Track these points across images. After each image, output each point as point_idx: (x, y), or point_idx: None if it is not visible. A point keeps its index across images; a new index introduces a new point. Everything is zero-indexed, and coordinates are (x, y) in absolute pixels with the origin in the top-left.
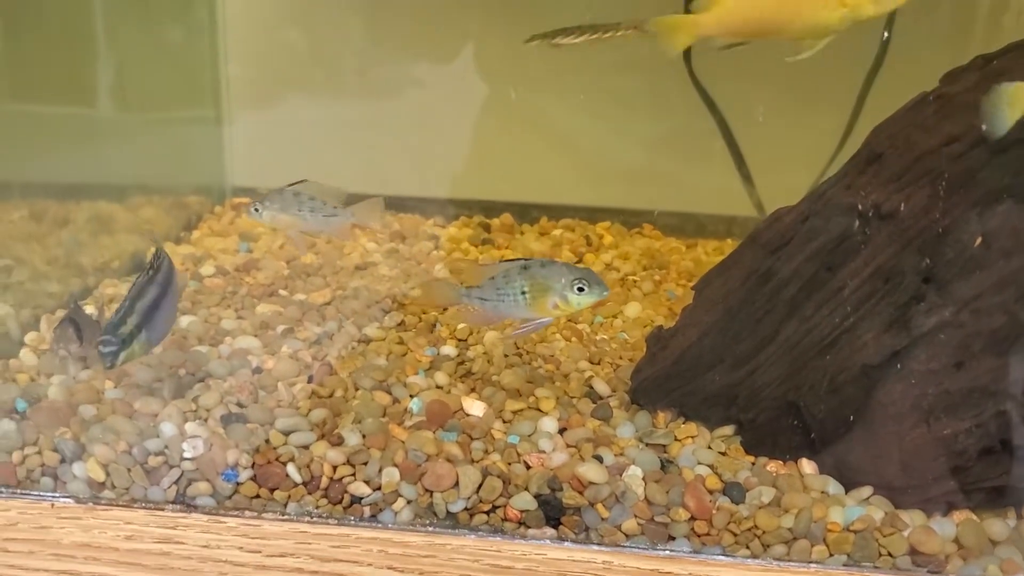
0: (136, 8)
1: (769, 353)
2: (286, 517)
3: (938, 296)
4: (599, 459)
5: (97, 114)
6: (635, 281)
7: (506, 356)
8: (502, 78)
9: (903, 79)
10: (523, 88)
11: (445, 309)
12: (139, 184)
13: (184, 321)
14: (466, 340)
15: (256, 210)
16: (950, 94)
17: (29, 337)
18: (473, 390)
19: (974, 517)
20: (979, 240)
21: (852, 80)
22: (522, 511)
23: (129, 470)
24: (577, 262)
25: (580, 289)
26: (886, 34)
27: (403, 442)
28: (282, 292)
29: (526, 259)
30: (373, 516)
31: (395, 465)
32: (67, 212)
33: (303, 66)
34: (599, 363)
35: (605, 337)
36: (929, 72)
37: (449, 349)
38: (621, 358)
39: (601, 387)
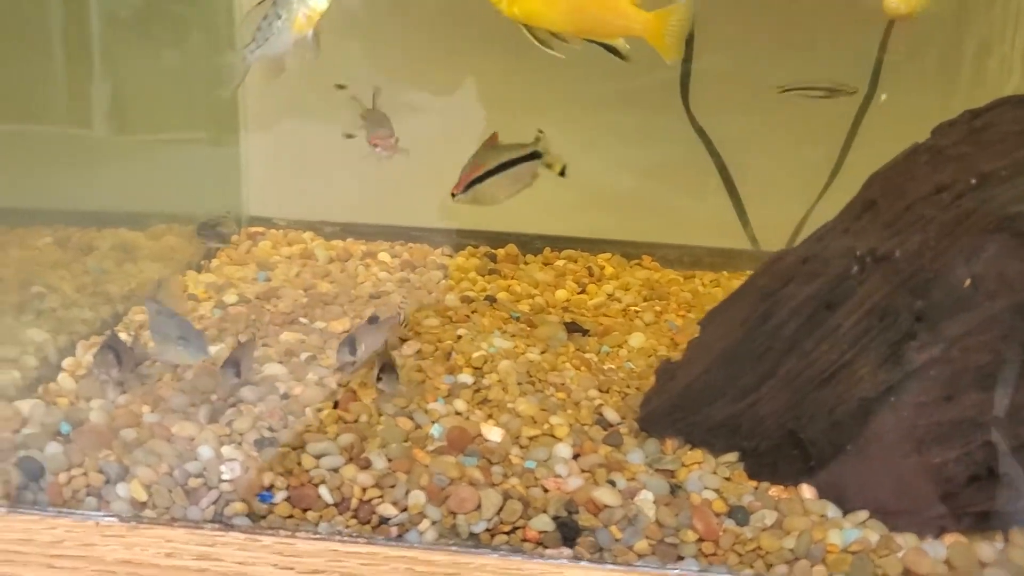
0: (151, 32)
1: (770, 386)
2: (318, 536)
3: (929, 334)
4: (612, 484)
5: (113, 139)
6: (637, 312)
7: (519, 384)
8: (503, 108)
9: (892, 115)
10: (524, 121)
11: (460, 337)
12: (158, 212)
13: (212, 349)
14: (481, 368)
15: None
16: (940, 146)
17: (66, 362)
18: (490, 416)
19: (964, 540)
20: (968, 282)
21: (844, 115)
22: (540, 532)
23: (170, 491)
24: (580, 292)
25: None
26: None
27: (426, 466)
28: (302, 320)
29: None
30: (399, 536)
31: (421, 488)
32: (90, 239)
33: (316, 92)
34: (607, 391)
35: (612, 367)
36: (916, 108)
37: (466, 377)
38: (628, 387)
39: (611, 415)
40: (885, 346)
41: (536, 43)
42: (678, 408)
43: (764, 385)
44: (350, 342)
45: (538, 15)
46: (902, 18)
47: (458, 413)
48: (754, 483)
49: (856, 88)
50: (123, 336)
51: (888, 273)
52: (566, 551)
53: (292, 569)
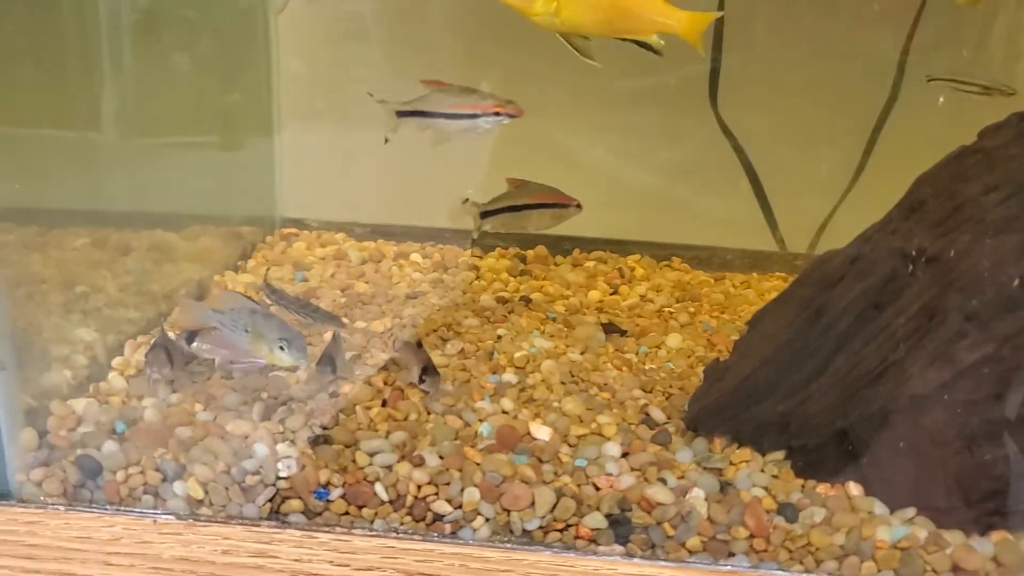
0: (187, 36)
1: (820, 384)
2: (374, 533)
3: (980, 333)
4: (663, 482)
5: (148, 142)
6: (671, 313)
7: (563, 384)
8: (530, 110)
9: (915, 115)
10: (549, 122)
11: (500, 337)
12: (193, 214)
13: None
14: (524, 368)
15: None
16: (987, 148)
17: (116, 361)
18: (537, 415)
19: (1010, 537)
20: (1017, 282)
21: (867, 115)
22: (593, 529)
23: (227, 488)
24: (612, 293)
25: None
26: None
27: (478, 464)
28: (343, 320)
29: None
30: (453, 533)
31: (475, 485)
32: (127, 240)
33: (347, 96)
34: (651, 391)
35: (653, 367)
36: (939, 111)
37: (510, 376)
38: (671, 387)
39: (657, 414)
40: (935, 344)
41: (576, 53)
42: (727, 407)
43: (813, 384)
44: (329, 360)
45: (582, 23)
46: (970, 4)
47: (505, 412)
48: (801, 481)
49: (1015, 90)
50: (170, 335)
51: (938, 273)
52: (618, 548)
53: (348, 566)
